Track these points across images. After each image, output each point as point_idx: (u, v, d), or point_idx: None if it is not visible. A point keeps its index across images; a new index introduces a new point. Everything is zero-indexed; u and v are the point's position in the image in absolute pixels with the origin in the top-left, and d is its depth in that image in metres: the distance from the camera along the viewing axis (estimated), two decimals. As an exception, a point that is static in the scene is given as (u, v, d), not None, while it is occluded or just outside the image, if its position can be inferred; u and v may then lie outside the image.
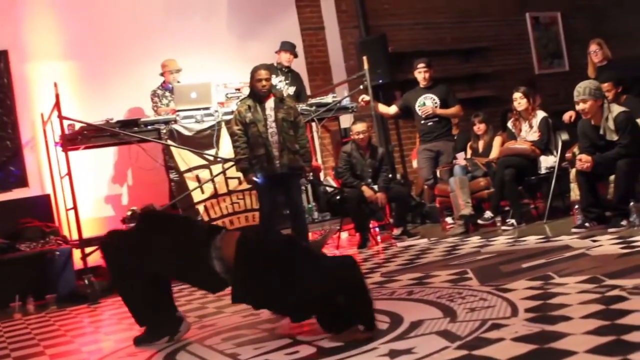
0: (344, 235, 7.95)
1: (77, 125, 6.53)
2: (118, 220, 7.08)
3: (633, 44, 11.27)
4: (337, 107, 7.62)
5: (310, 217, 7.28)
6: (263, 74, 6.34)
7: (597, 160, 5.50)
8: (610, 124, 5.48)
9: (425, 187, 8.32)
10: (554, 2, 11.35)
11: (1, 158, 7.53)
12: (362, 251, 6.67)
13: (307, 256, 3.32)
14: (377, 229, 7.66)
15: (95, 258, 6.74)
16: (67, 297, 6.22)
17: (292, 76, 8.20)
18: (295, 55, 8.17)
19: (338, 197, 7.50)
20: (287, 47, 8.05)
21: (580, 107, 5.59)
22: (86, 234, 6.54)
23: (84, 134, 6.56)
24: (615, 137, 5.47)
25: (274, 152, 6.30)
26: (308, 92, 8.60)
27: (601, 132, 5.54)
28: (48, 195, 7.48)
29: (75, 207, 6.30)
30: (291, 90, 8.08)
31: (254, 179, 6.34)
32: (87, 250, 6.34)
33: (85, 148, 6.85)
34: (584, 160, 5.53)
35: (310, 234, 7.12)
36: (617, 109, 5.57)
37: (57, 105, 6.30)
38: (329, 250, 7.06)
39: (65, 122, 6.40)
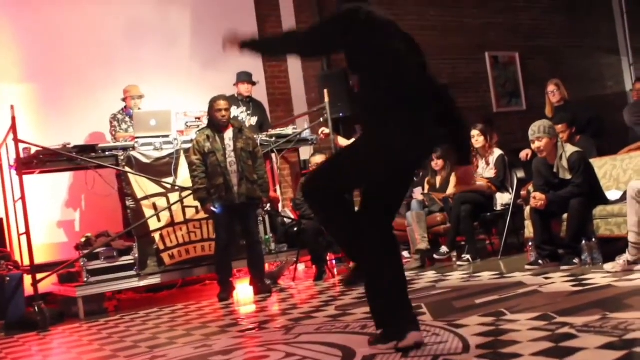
0: (301, 267, 7.92)
1: (33, 149, 6.43)
2: (71, 247, 6.95)
3: (588, 86, 11.59)
4: (297, 139, 7.62)
5: (267, 248, 7.24)
6: (222, 104, 6.37)
7: (550, 198, 5.60)
8: (564, 163, 5.59)
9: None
10: (513, 43, 11.58)
11: (-47, 180, 7.36)
12: (318, 283, 6.64)
13: None
14: (333, 262, 7.65)
15: (47, 285, 6.64)
16: (17, 324, 6.07)
17: (254, 105, 8.18)
18: (254, 84, 8.17)
19: (296, 229, 7.48)
20: (243, 77, 8.04)
21: (535, 145, 5.70)
22: (38, 260, 6.38)
23: (40, 158, 6.45)
24: (568, 176, 5.58)
25: (232, 181, 6.31)
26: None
27: (555, 170, 5.65)
28: (1, 220, 7.32)
29: (27, 232, 6.16)
30: (254, 120, 8.06)
31: (212, 208, 6.31)
32: (39, 276, 6.21)
33: (41, 172, 6.74)
34: (538, 198, 5.63)
35: (266, 265, 7.09)
36: (570, 148, 5.69)
37: (13, 128, 6.19)
38: (285, 283, 7.03)
39: (21, 146, 6.29)
